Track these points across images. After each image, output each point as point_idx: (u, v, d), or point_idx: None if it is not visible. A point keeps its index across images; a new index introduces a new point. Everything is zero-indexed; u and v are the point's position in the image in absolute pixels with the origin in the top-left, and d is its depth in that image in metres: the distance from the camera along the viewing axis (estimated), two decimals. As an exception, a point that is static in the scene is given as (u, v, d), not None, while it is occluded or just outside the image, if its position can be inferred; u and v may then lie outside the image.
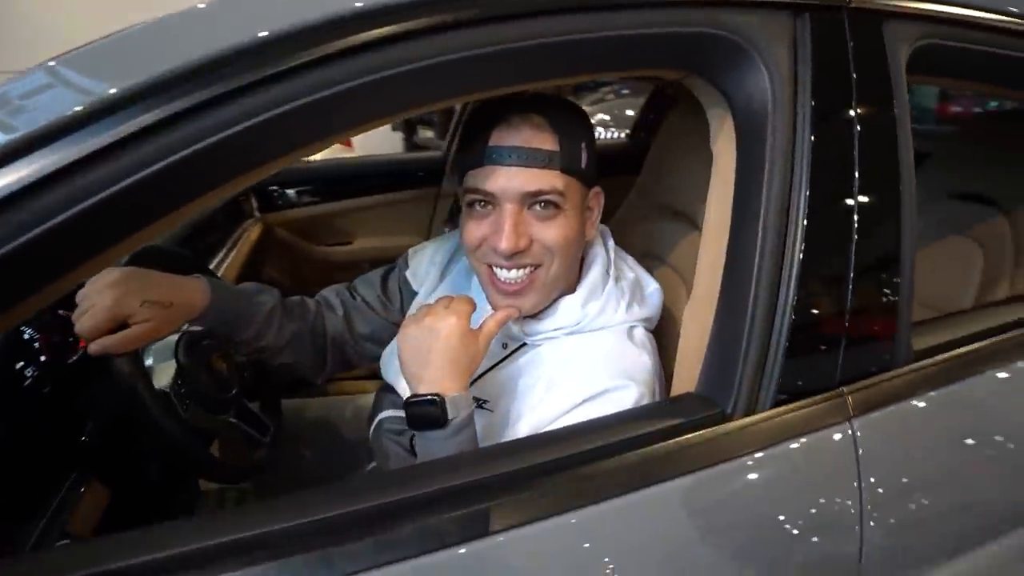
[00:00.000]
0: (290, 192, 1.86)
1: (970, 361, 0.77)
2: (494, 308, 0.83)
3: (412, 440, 0.92)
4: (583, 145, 0.78)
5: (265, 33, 0.52)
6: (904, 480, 0.70)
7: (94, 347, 0.74)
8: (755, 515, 0.63)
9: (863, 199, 0.69)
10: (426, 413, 0.72)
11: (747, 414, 0.64)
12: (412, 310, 0.97)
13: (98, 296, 0.74)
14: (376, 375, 1.47)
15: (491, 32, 0.57)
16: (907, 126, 0.72)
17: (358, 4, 0.54)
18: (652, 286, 0.88)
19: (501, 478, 0.58)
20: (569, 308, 0.82)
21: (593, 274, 0.84)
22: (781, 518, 0.63)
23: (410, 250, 1.03)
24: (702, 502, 0.62)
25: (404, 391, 0.92)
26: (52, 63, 0.60)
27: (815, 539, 0.64)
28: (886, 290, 0.71)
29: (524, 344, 0.85)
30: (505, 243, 0.75)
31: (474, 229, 0.79)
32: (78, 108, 0.48)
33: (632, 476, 0.59)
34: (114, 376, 0.77)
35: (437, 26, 0.55)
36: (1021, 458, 0.78)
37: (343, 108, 0.55)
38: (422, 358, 0.74)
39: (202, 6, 0.62)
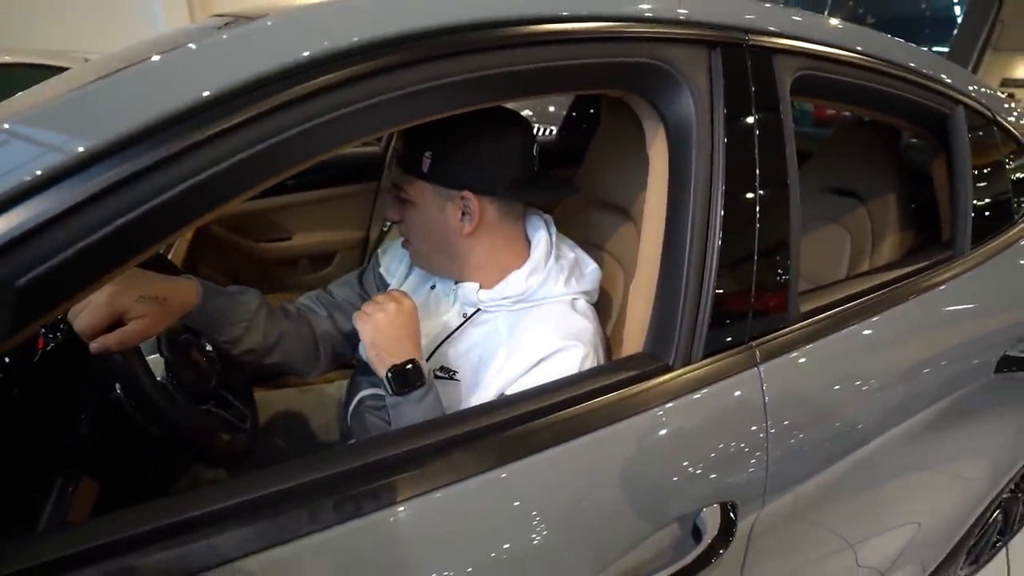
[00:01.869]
0: None
1: (842, 319, 0.99)
2: None
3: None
4: (427, 153, 0.90)
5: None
6: (795, 410, 0.91)
7: (95, 345, 0.77)
8: (695, 442, 0.81)
9: (762, 192, 0.88)
10: (408, 374, 0.86)
11: (684, 365, 0.82)
12: None
13: (95, 293, 0.78)
14: (336, 367, 1.53)
15: (475, 60, 0.69)
16: (792, 135, 0.93)
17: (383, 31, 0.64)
18: (591, 265, 1.04)
19: (493, 426, 0.71)
20: (515, 280, 0.97)
21: (537, 253, 0.99)
22: (713, 443, 0.82)
23: (379, 250, 1.14)
24: (657, 434, 0.78)
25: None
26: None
27: (736, 459, 0.83)
28: (780, 265, 0.91)
29: (478, 310, 0.99)
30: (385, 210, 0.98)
31: None
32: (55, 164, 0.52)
33: (603, 416, 0.75)
34: (118, 370, 0.80)
35: (433, 56, 0.66)
36: (876, 389, 1.02)
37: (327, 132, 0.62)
38: (398, 336, 0.88)
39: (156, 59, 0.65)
